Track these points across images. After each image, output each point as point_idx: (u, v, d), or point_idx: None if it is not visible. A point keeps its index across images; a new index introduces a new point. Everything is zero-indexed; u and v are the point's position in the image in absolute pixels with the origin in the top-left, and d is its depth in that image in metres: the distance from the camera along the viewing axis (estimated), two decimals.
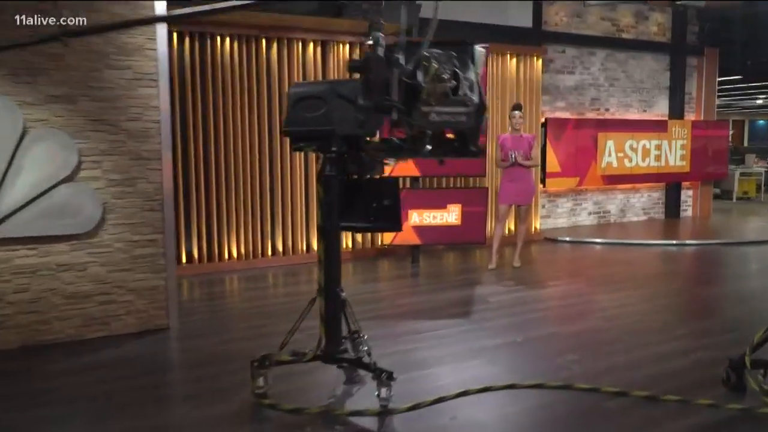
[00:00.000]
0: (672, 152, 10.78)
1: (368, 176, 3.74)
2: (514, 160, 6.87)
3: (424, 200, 7.27)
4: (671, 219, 11.11)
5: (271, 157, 7.30)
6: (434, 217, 7.27)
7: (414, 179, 7.40)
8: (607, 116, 10.37)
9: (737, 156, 16.45)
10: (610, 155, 10.13)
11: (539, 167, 9.28)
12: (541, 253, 8.34)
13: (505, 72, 8.86)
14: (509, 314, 5.30)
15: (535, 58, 9.13)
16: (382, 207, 3.66)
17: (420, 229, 7.29)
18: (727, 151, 11.61)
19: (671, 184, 11.06)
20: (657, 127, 10.63)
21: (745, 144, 23.44)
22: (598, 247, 8.76)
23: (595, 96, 10.26)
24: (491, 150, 8.71)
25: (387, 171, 3.96)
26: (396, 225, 3.72)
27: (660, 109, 10.97)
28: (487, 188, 7.77)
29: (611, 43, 10.17)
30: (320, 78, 7.39)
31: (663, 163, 10.72)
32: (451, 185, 8.29)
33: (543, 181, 9.49)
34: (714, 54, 11.26)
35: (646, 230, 10.12)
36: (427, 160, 7.17)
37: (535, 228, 9.28)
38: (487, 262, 7.15)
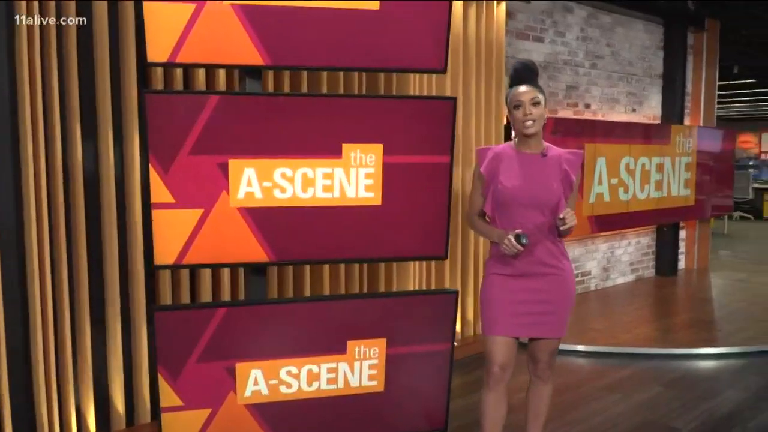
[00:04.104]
0: (675, 175, 6.87)
1: None
2: (525, 239, 2.41)
3: (285, 332, 2.56)
4: (665, 277, 7.19)
5: None
6: (312, 378, 2.58)
7: (254, 271, 2.67)
8: (588, 115, 6.25)
9: None
10: (601, 183, 5.97)
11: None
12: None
13: None
14: None
15: (495, 4, 4.75)
16: None
17: (275, 411, 2.58)
18: (733, 173, 7.95)
19: (668, 226, 7.15)
20: (658, 135, 6.65)
21: None
22: (583, 362, 4.53)
23: (571, 82, 6.09)
24: (461, 184, 4.17)
25: None
26: None
27: (651, 109, 7.05)
28: (456, 293, 2.82)
29: None
30: None
31: (665, 192, 6.77)
32: (357, 287, 3.61)
33: None
34: (716, 28, 7.55)
35: (640, 307, 6.10)
36: (295, 215, 2.45)
37: None
38: None
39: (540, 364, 2.70)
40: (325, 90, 3.37)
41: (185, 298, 3.29)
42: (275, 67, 2.58)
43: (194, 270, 3.22)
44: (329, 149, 2.51)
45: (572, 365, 4.51)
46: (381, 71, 3.13)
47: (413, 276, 4.19)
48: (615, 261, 6.78)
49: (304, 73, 3.30)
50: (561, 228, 2.44)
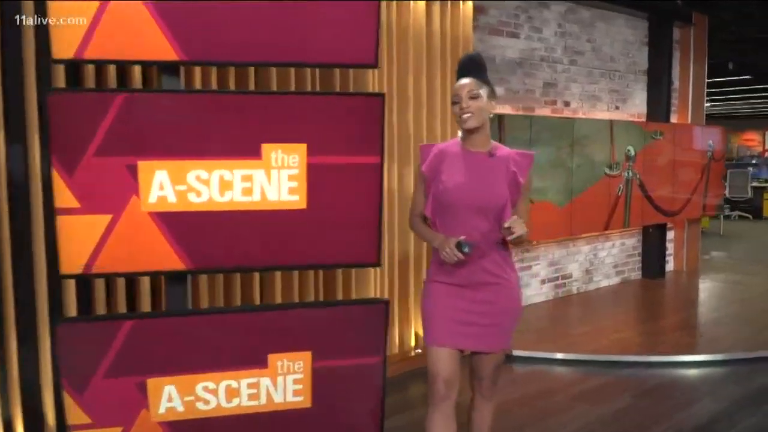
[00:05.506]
0: None
1: None
2: (467, 248, 2.24)
3: (200, 345, 2.40)
4: (652, 280, 6.99)
5: None
6: (231, 394, 2.42)
7: (173, 277, 2.51)
8: (568, 113, 6.07)
9: None
10: None
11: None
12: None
13: (402, 21, 4.21)
14: None
15: (461, 3, 4.57)
16: None
17: (193, 428, 2.42)
18: (722, 173, 7.76)
19: (653, 227, 6.96)
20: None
21: None
22: (560, 369, 4.33)
23: (549, 80, 5.91)
24: (398, 182, 3.99)
25: None
26: None
27: (636, 106, 6.86)
28: (387, 301, 2.60)
29: None
30: None
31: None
32: (313, 295, 3.48)
33: None
34: (703, 24, 7.35)
35: (623, 311, 5.94)
36: (218, 216, 2.21)
37: None
38: None
39: (484, 381, 2.52)
40: (253, 87, 3.21)
41: (122, 308, 3.15)
42: (191, 63, 2.42)
43: (109, 279, 3.05)
44: (247, 150, 2.35)
45: (548, 373, 4.34)
46: (306, 66, 2.96)
47: (374, 283, 4.02)
48: (598, 263, 6.59)
49: (232, 70, 3.13)
50: (508, 238, 2.26)
